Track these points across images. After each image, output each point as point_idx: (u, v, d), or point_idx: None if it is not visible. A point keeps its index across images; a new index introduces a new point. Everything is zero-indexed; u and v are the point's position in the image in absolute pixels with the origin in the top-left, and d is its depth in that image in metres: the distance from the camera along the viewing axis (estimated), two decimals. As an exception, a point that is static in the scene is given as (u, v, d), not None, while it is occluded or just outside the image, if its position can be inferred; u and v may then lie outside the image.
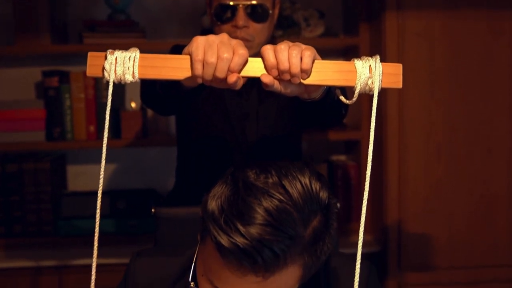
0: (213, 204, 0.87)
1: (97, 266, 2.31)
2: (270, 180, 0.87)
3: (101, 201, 2.48)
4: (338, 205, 1.70)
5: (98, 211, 0.98)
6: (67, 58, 2.38)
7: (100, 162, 2.47)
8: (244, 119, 1.57)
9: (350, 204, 2.35)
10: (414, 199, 2.13)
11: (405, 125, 2.11)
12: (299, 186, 0.87)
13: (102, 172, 0.97)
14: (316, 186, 0.88)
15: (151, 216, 1.74)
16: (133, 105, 2.38)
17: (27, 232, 2.27)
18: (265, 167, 0.90)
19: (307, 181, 0.88)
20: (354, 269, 1.10)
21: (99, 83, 2.28)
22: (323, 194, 0.89)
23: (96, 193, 2.43)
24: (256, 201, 0.84)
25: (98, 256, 2.35)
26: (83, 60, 2.37)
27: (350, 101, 0.99)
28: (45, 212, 2.28)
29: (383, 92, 2.11)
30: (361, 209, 0.87)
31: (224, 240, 0.83)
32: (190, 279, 0.94)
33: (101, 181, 0.96)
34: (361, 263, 1.10)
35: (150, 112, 2.39)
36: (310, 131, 2.22)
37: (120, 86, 2.41)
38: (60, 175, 2.44)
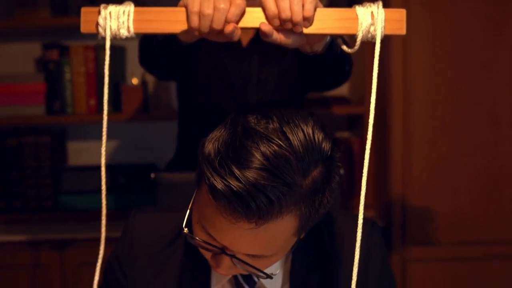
0: (209, 147, 0.85)
1: (98, 240, 2.30)
2: (271, 126, 0.84)
3: (99, 176, 2.46)
4: (342, 171, 1.67)
5: (103, 185, 0.96)
6: (67, 32, 2.35)
7: (100, 137, 2.46)
8: (245, 83, 1.54)
9: (353, 180, 2.32)
10: (418, 174, 2.10)
11: (410, 99, 2.08)
12: (300, 134, 0.84)
13: (104, 141, 0.94)
14: (319, 136, 0.85)
15: (152, 191, 1.71)
16: (134, 81, 2.35)
17: (27, 207, 2.25)
18: (267, 113, 0.87)
19: (310, 131, 0.85)
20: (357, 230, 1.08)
21: (100, 57, 2.25)
22: (326, 145, 0.86)
23: (97, 168, 2.43)
24: (254, 144, 0.82)
25: (98, 230, 2.34)
26: (83, 33, 2.35)
27: (352, 50, 0.96)
28: (45, 187, 2.26)
29: (386, 66, 2.08)
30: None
31: (218, 183, 0.80)
32: (184, 225, 0.92)
33: (103, 153, 0.93)
34: (363, 222, 1.08)
35: (151, 86, 2.36)
36: (312, 105, 2.19)
37: (120, 60, 2.38)
38: (61, 151, 2.41)
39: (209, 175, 0.82)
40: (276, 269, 0.98)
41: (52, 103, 2.25)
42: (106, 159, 2.41)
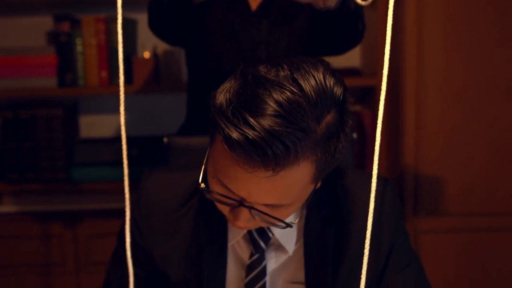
0: (221, 98, 0.84)
1: (110, 212, 2.31)
2: (282, 73, 0.83)
3: (112, 148, 2.46)
4: (355, 135, 1.66)
5: (124, 156, 0.96)
6: (78, 4, 2.35)
7: (112, 110, 2.47)
8: (255, 49, 1.54)
9: (365, 153, 2.31)
10: (431, 144, 2.09)
11: (423, 70, 2.06)
12: (312, 80, 0.83)
13: (122, 110, 0.93)
14: (330, 81, 0.85)
15: (164, 161, 1.71)
16: (146, 55, 2.35)
17: (40, 179, 2.27)
18: (276, 62, 0.87)
19: (321, 76, 0.84)
20: (370, 187, 1.08)
21: (111, 29, 2.25)
22: (338, 90, 0.86)
23: (109, 140, 2.43)
24: (266, 92, 0.81)
25: (110, 202, 2.35)
26: (94, 6, 2.35)
27: (366, 2, 0.95)
28: (58, 159, 2.27)
29: (400, 38, 2.06)
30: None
31: (232, 132, 0.79)
32: (200, 180, 0.92)
33: (122, 120, 0.93)
34: (376, 180, 1.07)
35: (162, 59, 2.36)
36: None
37: (131, 33, 2.38)
38: (73, 124, 2.42)
39: (223, 125, 0.81)
40: (294, 218, 0.98)
41: (63, 76, 2.26)
42: (118, 131, 2.43)
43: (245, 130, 0.79)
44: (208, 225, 1.06)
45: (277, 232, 1.04)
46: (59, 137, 2.26)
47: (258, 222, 0.92)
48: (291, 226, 0.90)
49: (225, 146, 0.82)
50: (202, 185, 0.91)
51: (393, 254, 1.07)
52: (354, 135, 1.62)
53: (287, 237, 1.05)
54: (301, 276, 1.06)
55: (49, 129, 2.26)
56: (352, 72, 2.34)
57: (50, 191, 2.25)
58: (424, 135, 2.09)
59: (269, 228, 1.04)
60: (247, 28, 1.54)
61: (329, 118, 0.84)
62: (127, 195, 0.96)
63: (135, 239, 1.11)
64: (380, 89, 2.31)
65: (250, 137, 0.79)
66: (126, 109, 2.61)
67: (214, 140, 0.88)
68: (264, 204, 0.87)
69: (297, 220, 0.98)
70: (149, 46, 2.34)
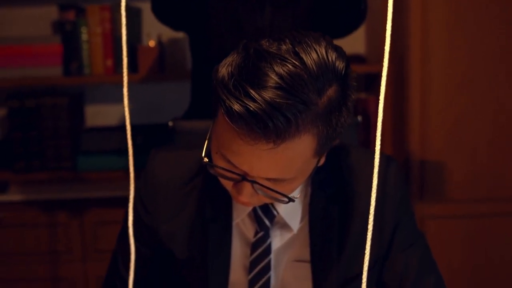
0: (223, 71, 0.85)
1: (115, 199, 2.32)
2: (284, 47, 0.84)
3: (118, 137, 2.47)
4: (360, 118, 1.66)
5: (129, 144, 0.96)
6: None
7: (117, 99, 2.47)
8: (258, 34, 1.54)
9: (369, 140, 2.31)
10: (436, 131, 2.09)
11: (428, 56, 2.06)
12: (314, 54, 0.83)
13: (125, 92, 0.93)
14: (332, 55, 0.85)
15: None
16: (151, 44, 2.36)
17: (46, 168, 2.28)
18: (279, 37, 0.87)
19: (323, 50, 0.84)
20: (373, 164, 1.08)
21: (116, 17, 2.26)
22: (340, 64, 0.86)
23: (115, 128, 2.44)
24: (268, 65, 0.81)
25: (116, 190, 2.35)
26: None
27: None
28: (64, 148, 2.28)
29: (404, 23, 2.06)
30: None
31: (234, 104, 0.80)
32: (203, 155, 0.92)
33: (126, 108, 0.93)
34: (380, 157, 1.08)
35: (167, 48, 2.36)
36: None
37: (136, 21, 2.39)
38: (79, 113, 2.43)
39: (225, 97, 0.82)
40: (297, 193, 0.98)
41: (69, 64, 2.27)
42: (123, 119, 2.43)
43: (246, 102, 0.80)
44: (212, 203, 1.07)
45: (282, 210, 1.04)
46: (65, 126, 2.27)
47: (261, 198, 0.92)
48: (293, 200, 0.90)
49: (227, 118, 0.82)
50: (206, 159, 0.91)
51: (398, 232, 1.07)
52: (359, 118, 1.62)
53: (292, 215, 1.05)
54: (306, 254, 1.07)
55: (55, 118, 2.27)
56: (357, 59, 2.34)
57: (56, 180, 2.27)
58: (430, 122, 2.08)
59: (273, 206, 1.04)
60: (250, 14, 1.54)
61: (330, 91, 0.85)
62: (132, 180, 0.96)
63: (141, 217, 1.11)
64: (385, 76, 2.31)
65: (251, 109, 0.79)
66: (131, 97, 2.62)
67: (217, 115, 0.88)
68: (266, 178, 0.88)
69: (299, 195, 0.97)
70: (154, 34, 2.34)
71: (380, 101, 0.78)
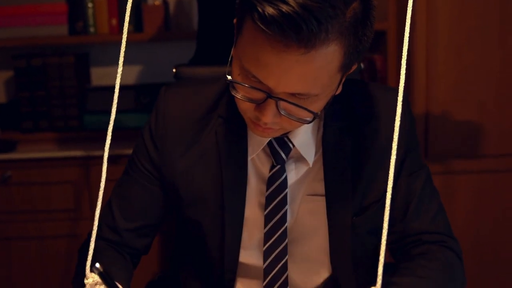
0: None
1: (122, 157, 2.31)
2: None
3: (125, 96, 2.46)
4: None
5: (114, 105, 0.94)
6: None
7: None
8: None
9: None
10: (442, 86, 2.09)
11: (434, 10, 2.05)
12: None
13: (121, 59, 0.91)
14: None
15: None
16: (156, 2, 2.35)
17: (54, 127, 2.29)
18: None
19: None
20: (389, 99, 1.10)
21: (120, -24, 2.25)
22: None
23: (122, 88, 2.43)
24: None
25: (122, 148, 2.34)
26: None
27: None
28: (71, 107, 2.29)
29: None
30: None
31: (267, 8, 0.81)
32: (226, 73, 0.93)
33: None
34: (389, 90, 1.10)
35: (172, 6, 2.36)
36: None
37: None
38: (85, 74, 2.43)
39: (256, 2, 0.83)
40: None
41: (74, 24, 2.27)
42: (129, 78, 2.43)
43: (280, 5, 0.81)
44: (227, 140, 1.07)
45: (297, 143, 1.06)
46: (71, 85, 2.28)
47: (283, 121, 0.92)
48: (317, 116, 0.91)
49: (260, 24, 0.83)
50: (229, 77, 0.92)
51: (407, 159, 1.10)
52: (362, 66, 1.62)
53: (307, 148, 1.06)
54: (321, 188, 1.08)
55: (61, 77, 2.27)
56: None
57: (64, 139, 2.28)
58: (435, 77, 2.08)
59: (289, 139, 1.05)
60: None
61: (355, 4, 0.87)
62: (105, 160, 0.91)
63: (150, 155, 1.12)
64: (391, 33, 2.29)
65: (284, 11, 0.80)
66: (136, 56, 2.62)
67: (242, 29, 0.89)
68: (291, 93, 0.88)
69: (320, 111, 0.97)
70: (159, -7, 2.33)
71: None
